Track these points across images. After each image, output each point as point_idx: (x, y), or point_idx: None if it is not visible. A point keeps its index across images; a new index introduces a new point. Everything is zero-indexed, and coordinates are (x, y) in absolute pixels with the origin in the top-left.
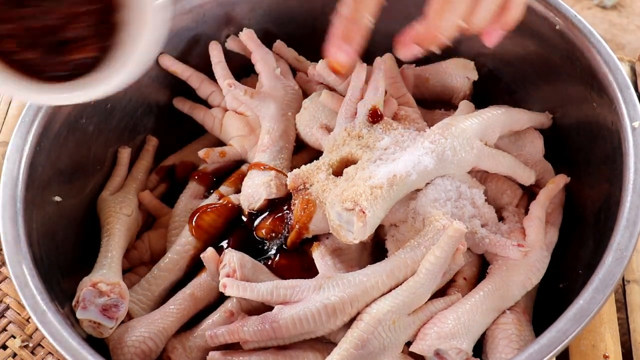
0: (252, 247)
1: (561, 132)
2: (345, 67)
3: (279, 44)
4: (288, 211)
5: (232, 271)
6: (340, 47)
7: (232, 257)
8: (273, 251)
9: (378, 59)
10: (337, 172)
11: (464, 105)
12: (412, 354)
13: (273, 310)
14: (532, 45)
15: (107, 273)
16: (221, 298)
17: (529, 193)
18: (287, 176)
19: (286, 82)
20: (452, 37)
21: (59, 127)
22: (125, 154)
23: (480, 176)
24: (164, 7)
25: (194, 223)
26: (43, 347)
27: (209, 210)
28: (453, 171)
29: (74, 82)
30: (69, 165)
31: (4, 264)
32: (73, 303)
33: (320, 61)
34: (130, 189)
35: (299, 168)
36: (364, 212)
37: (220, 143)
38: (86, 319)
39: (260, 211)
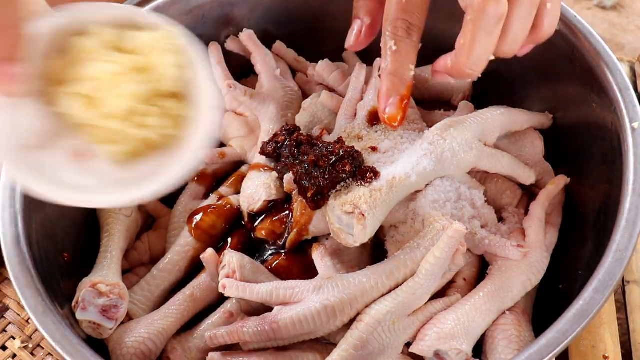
0: (252, 248)
1: (561, 133)
2: (398, 120)
3: (278, 45)
4: (288, 212)
5: (231, 272)
6: (388, 103)
7: (232, 258)
8: (273, 252)
9: (378, 60)
10: None
11: (464, 105)
12: (411, 355)
13: (273, 311)
14: None
15: (106, 274)
16: (221, 299)
17: (529, 194)
18: None
19: (286, 82)
20: (482, 70)
21: None
22: None
23: (480, 177)
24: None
25: (193, 224)
26: (43, 348)
27: (208, 211)
28: (453, 172)
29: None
30: None
31: (3, 264)
32: (73, 304)
33: (320, 62)
34: None
35: None
36: (363, 215)
37: (220, 144)
38: (86, 320)
39: (260, 212)
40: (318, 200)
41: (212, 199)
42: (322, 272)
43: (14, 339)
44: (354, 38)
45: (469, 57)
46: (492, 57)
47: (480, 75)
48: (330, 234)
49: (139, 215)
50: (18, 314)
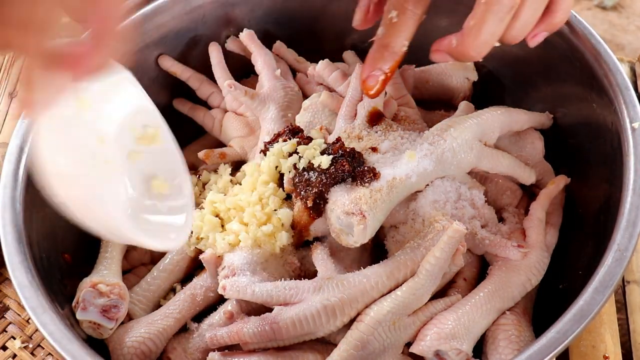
0: None
1: (561, 133)
2: (376, 91)
3: (278, 45)
4: None
5: (231, 273)
6: (370, 73)
7: (232, 259)
8: None
9: None
10: None
11: (464, 106)
12: (412, 355)
13: (273, 312)
14: None
15: (107, 274)
16: (221, 299)
17: (529, 194)
18: None
19: (286, 83)
20: (484, 55)
21: None
22: None
23: (480, 177)
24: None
25: None
26: (43, 348)
27: None
28: (453, 172)
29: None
30: None
31: (3, 264)
32: (73, 304)
33: (320, 62)
34: None
35: None
36: (363, 216)
37: (220, 144)
38: (86, 320)
39: None
40: (318, 205)
41: None
42: (322, 272)
43: (14, 339)
44: (361, 15)
45: (475, 40)
46: (497, 44)
47: (480, 60)
48: (330, 234)
49: None
50: (18, 314)
